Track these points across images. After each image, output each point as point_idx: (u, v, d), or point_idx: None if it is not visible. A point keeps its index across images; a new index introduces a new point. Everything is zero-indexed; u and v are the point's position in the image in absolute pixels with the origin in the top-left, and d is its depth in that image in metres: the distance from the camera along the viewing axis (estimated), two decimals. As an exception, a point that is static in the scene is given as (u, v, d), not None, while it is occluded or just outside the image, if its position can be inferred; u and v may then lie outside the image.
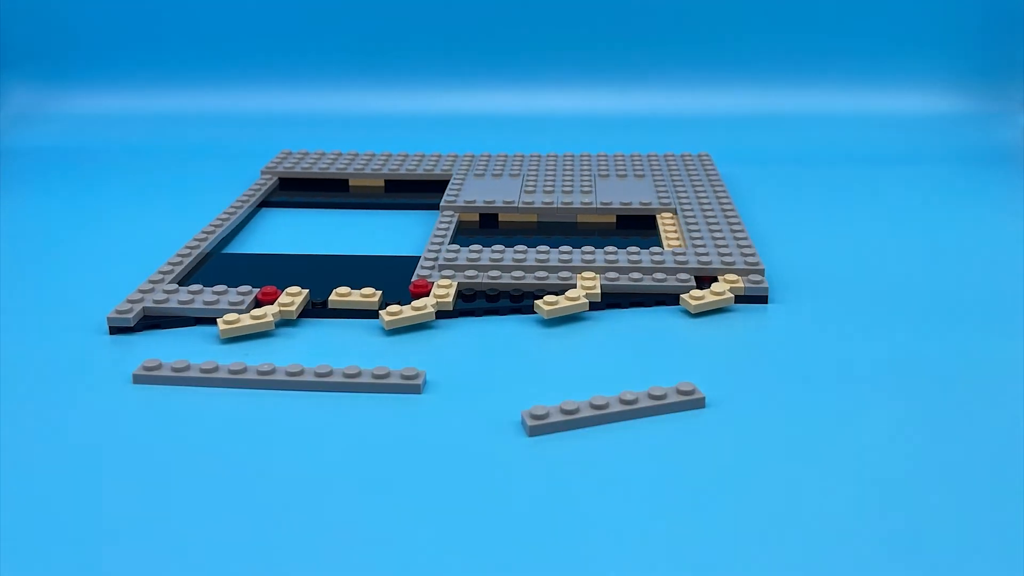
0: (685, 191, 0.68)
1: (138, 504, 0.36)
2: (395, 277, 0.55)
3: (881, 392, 0.43)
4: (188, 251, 0.58)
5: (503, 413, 0.41)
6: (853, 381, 0.44)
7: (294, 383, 0.44)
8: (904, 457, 0.38)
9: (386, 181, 0.73)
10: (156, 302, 0.50)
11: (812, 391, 0.43)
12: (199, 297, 0.51)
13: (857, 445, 0.39)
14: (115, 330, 0.49)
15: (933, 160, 0.80)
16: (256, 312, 0.49)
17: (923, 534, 0.34)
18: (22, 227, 0.66)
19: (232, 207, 0.66)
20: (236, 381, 0.44)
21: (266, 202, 0.70)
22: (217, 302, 0.50)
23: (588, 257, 0.55)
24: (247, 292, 0.51)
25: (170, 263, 0.56)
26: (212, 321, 0.50)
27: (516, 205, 0.64)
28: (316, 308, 0.51)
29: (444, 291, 0.51)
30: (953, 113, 0.89)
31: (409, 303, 0.50)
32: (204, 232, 0.61)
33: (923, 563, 0.32)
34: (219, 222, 0.63)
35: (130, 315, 0.49)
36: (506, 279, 0.53)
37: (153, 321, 0.50)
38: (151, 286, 0.52)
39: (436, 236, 0.59)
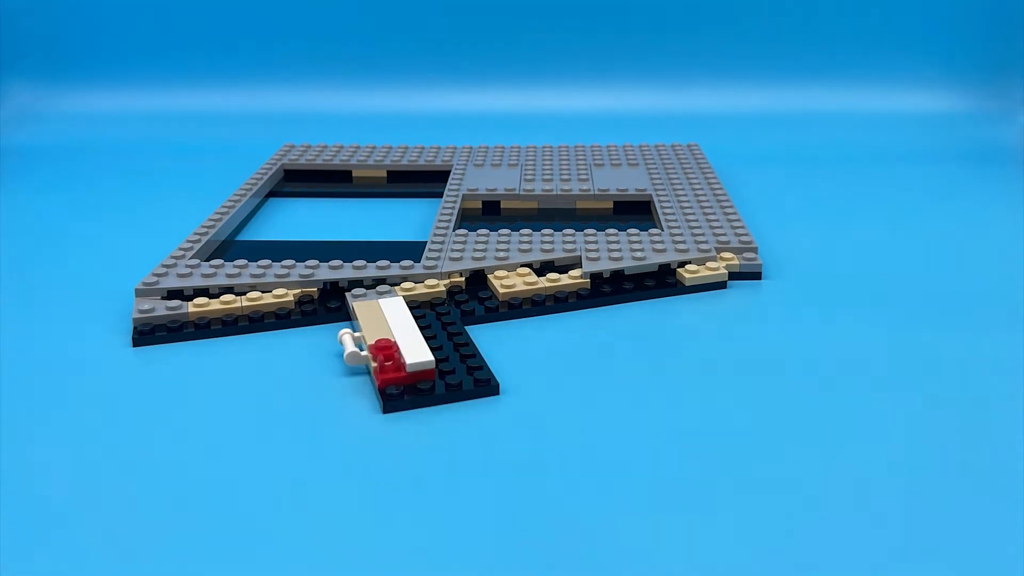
0: (678, 177, 0.70)
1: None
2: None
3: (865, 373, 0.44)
4: (197, 237, 0.59)
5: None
6: (838, 352, 0.46)
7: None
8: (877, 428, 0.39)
9: (388, 172, 0.75)
10: (180, 275, 0.52)
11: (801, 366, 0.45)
12: (221, 271, 0.52)
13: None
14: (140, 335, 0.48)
15: (933, 159, 0.80)
16: (278, 292, 0.51)
17: (897, 511, 0.34)
18: (22, 226, 0.66)
19: (236, 194, 0.67)
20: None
21: (273, 192, 0.72)
22: (239, 275, 0.52)
23: (591, 239, 0.57)
24: (267, 265, 0.53)
25: (181, 248, 0.56)
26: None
27: (518, 192, 0.67)
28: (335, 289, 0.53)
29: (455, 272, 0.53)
30: (953, 112, 0.89)
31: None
32: (211, 220, 0.62)
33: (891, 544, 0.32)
34: (225, 209, 0.64)
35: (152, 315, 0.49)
36: (514, 258, 0.55)
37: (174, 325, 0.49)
38: (173, 261, 0.54)
39: (441, 221, 0.61)
